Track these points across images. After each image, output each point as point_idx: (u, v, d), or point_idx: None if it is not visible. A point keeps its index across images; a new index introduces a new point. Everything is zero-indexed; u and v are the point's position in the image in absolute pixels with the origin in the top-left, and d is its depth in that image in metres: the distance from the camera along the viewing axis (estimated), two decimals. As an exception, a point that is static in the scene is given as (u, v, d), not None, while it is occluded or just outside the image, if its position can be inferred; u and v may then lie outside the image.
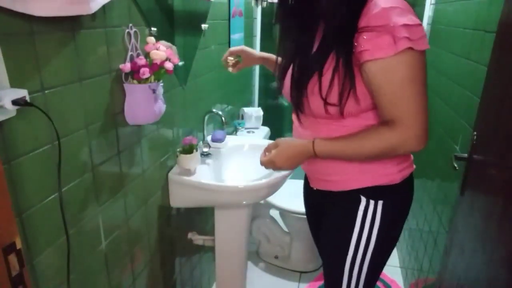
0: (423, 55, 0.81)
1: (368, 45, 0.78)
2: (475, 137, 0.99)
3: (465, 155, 1.04)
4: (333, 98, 0.86)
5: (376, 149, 0.86)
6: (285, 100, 1.43)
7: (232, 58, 1.29)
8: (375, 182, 0.95)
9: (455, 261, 1.05)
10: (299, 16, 0.92)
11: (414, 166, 1.02)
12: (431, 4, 2.05)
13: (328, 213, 1.07)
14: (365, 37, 0.79)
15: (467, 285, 0.93)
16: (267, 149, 1.03)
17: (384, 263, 1.06)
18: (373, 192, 0.96)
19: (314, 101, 0.89)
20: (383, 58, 0.78)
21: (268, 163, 1.01)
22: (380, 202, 0.96)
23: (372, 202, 0.96)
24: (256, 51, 1.34)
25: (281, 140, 1.00)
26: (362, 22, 0.80)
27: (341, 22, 0.82)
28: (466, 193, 1.02)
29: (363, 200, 0.96)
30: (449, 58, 1.63)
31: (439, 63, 1.81)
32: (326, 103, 0.86)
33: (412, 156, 1.02)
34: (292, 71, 0.94)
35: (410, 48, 0.77)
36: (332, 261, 1.07)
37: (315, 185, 1.09)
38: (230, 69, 1.30)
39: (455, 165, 1.10)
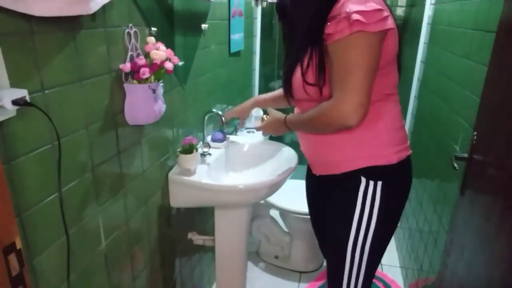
0: (380, 37, 0.89)
1: (331, 30, 0.90)
2: (475, 137, 0.99)
3: (465, 155, 1.04)
4: (310, 79, 0.98)
5: (317, 121, 0.97)
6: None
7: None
8: (373, 162, 1.02)
9: (455, 261, 1.05)
10: (285, 24, 1.10)
11: (411, 151, 1.09)
12: (431, 4, 2.05)
13: (331, 198, 1.13)
14: (329, 24, 0.90)
15: (467, 285, 0.93)
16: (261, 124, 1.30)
17: (385, 248, 1.12)
18: (372, 173, 1.02)
19: (297, 85, 1.02)
20: (338, 39, 0.88)
21: (262, 129, 1.29)
22: (379, 183, 1.02)
23: (371, 183, 1.02)
24: (249, 101, 1.52)
25: (270, 111, 1.28)
26: (330, 15, 0.93)
27: (311, 26, 0.97)
28: (466, 193, 1.02)
29: (363, 180, 1.03)
30: (449, 58, 1.63)
31: (439, 63, 1.81)
32: (306, 83, 0.98)
33: (408, 141, 1.10)
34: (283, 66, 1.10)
35: (362, 31, 0.85)
36: (334, 243, 1.12)
37: (317, 171, 1.17)
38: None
39: (455, 165, 1.10)
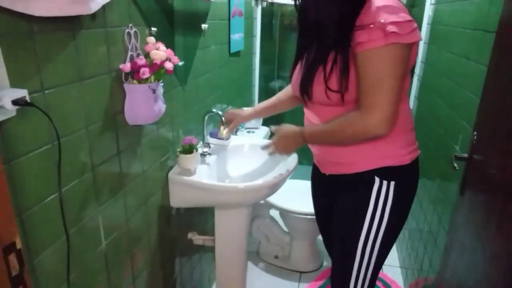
0: (410, 48, 0.91)
1: (363, 38, 0.89)
2: (475, 137, 0.99)
3: (465, 155, 1.04)
4: (333, 85, 0.96)
5: (345, 133, 0.98)
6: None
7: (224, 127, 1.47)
8: (387, 163, 1.03)
9: (455, 261, 1.05)
10: (306, 27, 1.08)
11: (419, 151, 1.11)
12: (431, 4, 2.05)
13: (341, 197, 1.13)
14: (361, 31, 0.90)
15: (467, 285, 0.93)
16: (274, 134, 1.19)
17: (393, 244, 1.13)
18: (386, 173, 1.03)
19: (319, 90, 0.99)
20: (371, 49, 0.88)
21: (271, 147, 1.18)
22: (392, 183, 1.03)
23: (385, 183, 1.03)
24: (247, 109, 1.50)
25: (279, 127, 1.18)
26: (358, 21, 0.91)
27: (338, 31, 0.94)
28: (466, 193, 1.02)
29: (377, 180, 1.04)
30: (449, 58, 1.63)
31: (439, 63, 1.81)
32: (328, 89, 0.97)
33: (417, 142, 1.11)
34: (301, 67, 1.07)
35: (397, 43, 0.87)
36: (345, 241, 1.12)
37: (327, 171, 1.16)
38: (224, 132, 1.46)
39: (455, 165, 1.10)
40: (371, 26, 0.88)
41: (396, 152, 1.04)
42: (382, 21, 0.86)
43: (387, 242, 1.09)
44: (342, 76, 0.94)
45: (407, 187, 1.09)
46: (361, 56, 0.90)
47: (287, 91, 1.38)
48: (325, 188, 1.25)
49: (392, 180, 1.03)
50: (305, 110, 1.16)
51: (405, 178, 1.07)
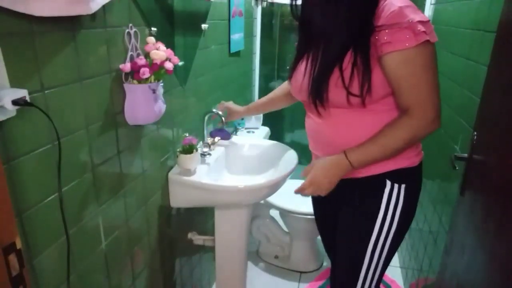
0: (434, 47, 0.91)
1: (390, 38, 0.88)
2: (475, 137, 0.99)
3: (465, 155, 1.04)
4: (355, 89, 0.94)
5: (402, 140, 0.94)
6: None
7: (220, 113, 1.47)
8: (398, 165, 1.01)
9: (455, 261, 1.05)
10: (308, 27, 1.04)
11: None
12: (431, 4, 2.05)
13: (348, 201, 1.10)
14: (387, 31, 0.88)
15: (467, 285, 0.93)
16: (304, 173, 1.06)
17: (399, 245, 1.12)
18: (397, 176, 1.02)
19: (338, 93, 0.95)
20: (403, 49, 0.87)
21: (308, 186, 1.03)
22: (403, 186, 1.03)
23: (396, 186, 1.02)
24: (240, 107, 1.52)
25: (314, 161, 1.06)
26: (380, 21, 0.89)
27: (356, 25, 0.92)
28: (466, 193, 1.02)
29: (388, 184, 1.02)
30: (449, 58, 1.63)
31: (439, 63, 1.80)
32: (349, 93, 0.94)
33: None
34: (311, 69, 1.02)
35: (427, 41, 0.87)
36: (354, 247, 1.10)
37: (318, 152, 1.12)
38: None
39: (455, 165, 1.10)
40: (398, 25, 0.87)
41: (408, 153, 1.03)
42: (409, 20, 0.86)
43: (395, 245, 1.09)
44: (364, 79, 0.92)
45: (415, 189, 1.08)
46: (391, 58, 0.89)
47: (284, 87, 1.37)
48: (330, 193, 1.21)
49: (403, 183, 1.02)
50: (311, 114, 1.10)
51: (414, 180, 1.07)
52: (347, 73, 0.93)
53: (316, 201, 1.32)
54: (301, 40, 1.08)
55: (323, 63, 0.98)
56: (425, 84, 0.90)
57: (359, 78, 0.92)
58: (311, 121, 1.10)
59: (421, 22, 0.86)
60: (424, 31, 0.86)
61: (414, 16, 0.87)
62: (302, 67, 1.06)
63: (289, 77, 1.13)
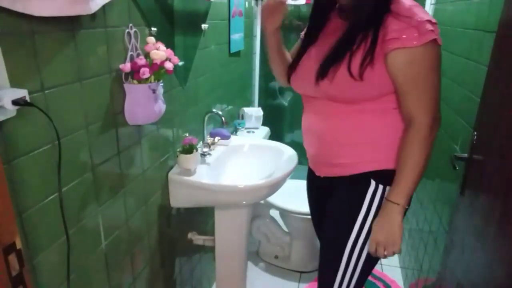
0: (440, 49, 0.90)
1: (396, 34, 0.87)
2: (475, 137, 0.99)
3: (465, 155, 1.04)
4: (355, 68, 0.92)
5: (423, 153, 0.93)
6: (285, 100, 1.43)
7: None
8: (386, 166, 1.01)
9: (455, 261, 1.05)
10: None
11: None
12: (431, 4, 2.05)
13: (334, 197, 1.11)
14: (394, 27, 0.87)
15: (467, 285, 0.93)
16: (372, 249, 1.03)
17: None
18: (382, 177, 1.01)
19: (341, 74, 0.94)
20: (410, 47, 0.86)
21: (374, 246, 1.01)
22: (388, 188, 1.01)
23: (380, 187, 1.02)
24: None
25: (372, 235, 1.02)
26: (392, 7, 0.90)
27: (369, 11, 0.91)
28: (466, 193, 1.02)
29: (373, 183, 1.02)
30: (449, 58, 1.63)
31: (439, 63, 1.81)
32: (349, 72, 0.92)
33: None
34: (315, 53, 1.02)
35: (434, 40, 0.86)
36: (333, 243, 1.10)
37: (322, 173, 1.14)
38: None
39: (455, 165, 1.10)
40: (407, 21, 0.86)
41: (394, 155, 1.01)
42: (419, 19, 0.85)
43: None
44: (366, 58, 0.90)
45: None
46: (397, 55, 0.88)
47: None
48: (320, 192, 1.22)
49: (388, 185, 1.01)
50: (309, 110, 1.10)
51: None
52: (356, 56, 0.92)
53: (310, 203, 1.32)
54: (313, 25, 1.07)
55: (338, 42, 0.96)
56: (428, 86, 0.90)
57: (361, 57, 0.91)
58: (309, 118, 1.10)
59: (429, 21, 0.86)
60: (432, 30, 0.85)
61: (423, 15, 0.86)
62: (312, 52, 1.05)
63: (293, 67, 1.08)
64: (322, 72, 0.96)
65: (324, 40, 1.03)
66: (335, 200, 1.11)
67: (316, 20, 1.07)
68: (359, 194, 1.04)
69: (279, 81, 1.22)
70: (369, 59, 0.90)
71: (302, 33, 1.15)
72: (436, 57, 0.89)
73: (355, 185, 1.05)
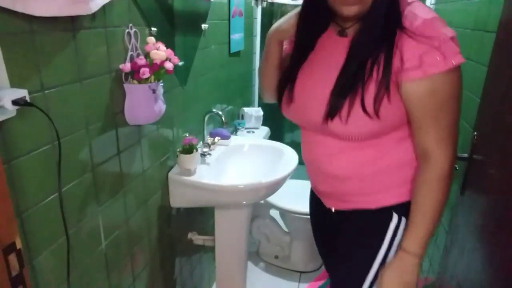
0: (461, 68, 0.76)
1: (417, 61, 0.72)
2: (475, 137, 0.99)
3: (465, 155, 1.04)
4: (368, 103, 0.78)
5: (442, 197, 0.82)
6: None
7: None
8: (409, 197, 0.88)
9: (455, 261, 1.05)
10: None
11: None
12: (431, 4, 2.05)
13: (348, 230, 0.98)
14: (413, 51, 0.72)
15: (467, 285, 0.93)
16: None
17: None
18: (405, 207, 0.88)
19: (358, 116, 0.79)
20: (432, 75, 0.72)
21: None
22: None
23: (403, 220, 0.90)
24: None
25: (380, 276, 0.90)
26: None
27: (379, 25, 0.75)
28: (466, 193, 1.02)
29: (395, 217, 0.90)
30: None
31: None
32: (363, 109, 0.78)
33: None
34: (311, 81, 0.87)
35: (459, 65, 0.72)
36: (348, 281, 0.98)
37: (335, 206, 1.00)
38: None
39: (455, 165, 1.10)
40: (428, 42, 0.71)
41: None
42: (442, 38, 0.70)
43: None
44: (380, 90, 0.76)
45: None
46: (416, 85, 0.74)
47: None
48: (329, 223, 1.05)
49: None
50: (311, 142, 0.94)
51: None
52: (368, 88, 0.77)
53: (317, 228, 1.17)
54: (304, 43, 0.90)
55: (348, 69, 0.79)
56: (450, 118, 0.76)
57: (375, 90, 0.77)
58: (314, 152, 0.94)
59: (453, 39, 0.71)
60: (458, 52, 0.71)
61: (445, 30, 0.71)
62: (310, 78, 0.88)
63: (290, 96, 0.91)
64: (332, 113, 0.81)
65: (323, 62, 0.87)
66: (350, 235, 0.97)
67: (307, 38, 0.89)
68: (379, 229, 0.91)
69: (265, 97, 1.06)
70: (384, 91, 0.76)
71: (285, 45, 0.99)
72: (459, 81, 0.75)
73: (375, 219, 0.92)
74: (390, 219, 0.91)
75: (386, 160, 0.87)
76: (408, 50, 0.73)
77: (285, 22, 0.92)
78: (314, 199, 1.09)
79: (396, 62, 0.75)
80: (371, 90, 0.77)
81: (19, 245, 0.66)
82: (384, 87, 0.76)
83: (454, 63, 0.71)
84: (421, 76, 0.72)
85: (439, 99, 0.75)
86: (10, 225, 0.64)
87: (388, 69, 0.75)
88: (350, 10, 0.76)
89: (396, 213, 0.90)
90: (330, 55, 0.86)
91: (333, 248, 1.03)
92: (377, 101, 0.77)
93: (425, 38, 0.71)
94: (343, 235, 0.99)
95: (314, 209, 1.13)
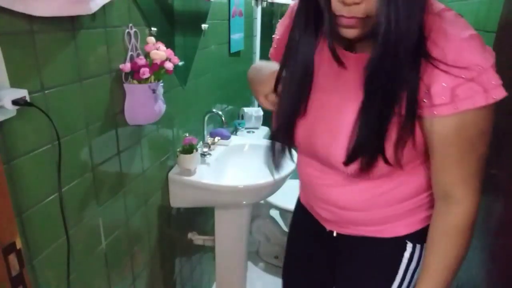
0: None
1: (448, 97, 0.59)
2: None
3: (465, 155, 1.04)
4: (390, 152, 0.66)
5: (464, 247, 0.71)
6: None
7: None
8: (423, 224, 0.80)
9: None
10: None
11: None
12: (431, 4, 2.05)
13: (353, 259, 0.88)
14: (442, 85, 0.58)
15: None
16: None
17: None
18: (419, 235, 0.80)
19: (375, 164, 0.69)
20: (466, 111, 0.59)
21: None
22: (424, 245, 0.78)
23: (418, 247, 0.81)
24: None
25: None
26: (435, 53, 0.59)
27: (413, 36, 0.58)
28: (466, 193, 1.02)
29: (409, 246, 0.81)
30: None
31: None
32: (383, 157, 0.67)
33: None
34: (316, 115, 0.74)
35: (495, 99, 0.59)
36: None
37: (337, 230, 0.88)
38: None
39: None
40: (464, 73, 0.57)
41: (429, 212, 0.80)
42: (481, 66, 0.57)
43: None
44: (403, 137, 0.64)
45: None
46: (445, 122, 0.61)
47: None
48: (330, 246, 0.93)
49: (424, 243, 0.78)
50: (313, 168, 0.84)
51: None
52: (391, 133, 0.65)
53: (302, 264, 1.04)
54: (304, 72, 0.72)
55: (367, 112, 0.65)
56: (478, 155, 0.64)
57: (398, 130, 0.64)
58: (315, 179, 0.84)
59: (493, 66, 0.58)
60: (499, 83, 0.59)
61: (485, 56, 0.58)
62: (325, 104, 0.73)
63: (284, 126, 0.78)
64: (351, 159, 0.69)
65: (330, 85, 0.73)
66: (358, 264, 0.87)
67: (306, 52, 0.70)
68: (393, 260, 0.83)
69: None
70: (408, 134, 0.64)
71: (276, 37, 0.88)
72: (491, 116, 0.62)
73: (387, 249, 0.83)
74: (404, 249, 0.82)
75: (398, 191, 0.77)
76: (437, 82, 0.59)
77: (261, 81, 0.81)
78: (305, 219, 0.95)
79: (421, 95, 0.61)
80: (392, 134, 0.64)
81: (19, 245, 0.66)
82: (409, 131, 0.64)
83: (495, 98, 0.58)
84: (453, 112, 0.59)
85: (469, 136, 0.62)
86: (10, 225, 0.64)
87: (413, 108, 0.61)
88: (347, 33, 0.62)
89: (411, 241, 0.81)
90: (338, 77, 0.71)
91: (332, 278, 0.94)
92: (399, 149, 0.65)
93: (460, 69, 0.57)
94: (350, 263, 0.89)
95: (303, 231, 1.00)
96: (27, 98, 0.69)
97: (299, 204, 1.01)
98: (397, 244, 0.82)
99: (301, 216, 0.98)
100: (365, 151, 0.67)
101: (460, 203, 0.67)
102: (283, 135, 0.79)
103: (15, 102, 0.66)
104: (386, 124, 0.63)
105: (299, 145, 0.81)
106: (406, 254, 0.81)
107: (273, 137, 0.83)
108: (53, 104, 0.78)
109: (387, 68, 0.60)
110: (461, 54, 0.57)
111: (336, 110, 0.71)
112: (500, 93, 0.58)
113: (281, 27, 0.87)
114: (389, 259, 0.83)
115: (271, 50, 0.93)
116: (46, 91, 0.76)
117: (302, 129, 0.77)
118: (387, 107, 0.62)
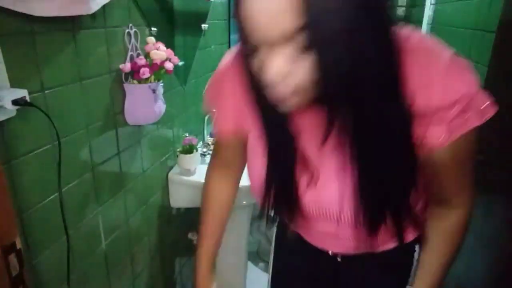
0: None
1: (443, 133, 0.57)
2: (475, 137, 0.99)
3: (465, 155, 1.04)
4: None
5: (459, 246, 0.73)
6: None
7: None
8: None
9: (455, 261, 1.05)
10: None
11: None
12: (431, 4, 2.05)
13: (363, 272, 0.85)
14: (438, 127, 0.57)
15: (467, 285, 0.93)
16: None
17: None
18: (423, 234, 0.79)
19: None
20: (462, 135, 0.58)
21: None
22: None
23: (417, 246, 0.83)
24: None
25: None
26: (424, 98, 0.54)
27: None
28: (466, 193, 1.02)
29: (417, 248, 0.82)
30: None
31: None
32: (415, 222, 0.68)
33: None
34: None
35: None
36: None
37: (342, 253, 0.82)
38: None
39: None
40: (456, 105, 0.54)
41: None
42: (468, 94, 0.55)
43: None
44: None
45: None
46: (443, 151, 0.60)
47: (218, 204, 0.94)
48: (335, 270, 0.87)
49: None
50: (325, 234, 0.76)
51: None
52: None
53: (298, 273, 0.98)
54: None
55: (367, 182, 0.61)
56: (471, 165, 0.67)
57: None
58: (315, 225, 0.75)
59: (480, 90, 0.57)
60: (488, 101, 0.58)
61: (470, 76, 0.55)
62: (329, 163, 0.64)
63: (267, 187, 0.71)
64: (360, 224, 0.66)
65: (317, 140, 0.61)
66: (368, 278, 0.85)
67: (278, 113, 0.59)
68: (405, 265, 0.83)
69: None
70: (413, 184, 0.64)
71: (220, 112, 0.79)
72: (477, 131, 0.61)
73: (398, 256, 0.81)
74: (413, 252, 0.83)
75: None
76: (431, 127, 0.57)
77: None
78: (304, 250, 0.87)
79: (417, 143, 0.59)
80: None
81: (19, 245, 0.66)
82: (414, 181, 0.63)
83: (487, 117, 0.58)
84: (449, 141, 0.58)
85: (465, 154, 0.63)
86: (10, 225, 0.64)
87: (413, 158, 0.60)
88: (286, 107, 0.54)
89: (418, 243, 0.81)
90: (317, 128, 0.59)
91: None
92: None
93: (450, 106, 0.55)
94: (358, 280, 0.87)
95: (299, 263, 0.95)
96: (27, 98, 0.69)
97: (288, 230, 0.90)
98: (407, 250, 0.82)
99: (298, 250, 0.91)
100: (379, 216, 0.64)
101: (458, 207, 0.70)
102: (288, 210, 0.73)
103: (15, 102, 0.66)
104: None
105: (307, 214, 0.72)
106: (416, 256, 0.83)
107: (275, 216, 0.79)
108: (53, 104, 0.78)
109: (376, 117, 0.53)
110: (447, 90, 0.54)
111: (335, 168, 0.64)
112: (492, 111, 0.58)
113: (221, 98, 0.77)
114: (402, 267, 0.84)
115: (223, 127, 0.79)
116: (46, 91, 0.76)
117: (309, 195, 0.68)
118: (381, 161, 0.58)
